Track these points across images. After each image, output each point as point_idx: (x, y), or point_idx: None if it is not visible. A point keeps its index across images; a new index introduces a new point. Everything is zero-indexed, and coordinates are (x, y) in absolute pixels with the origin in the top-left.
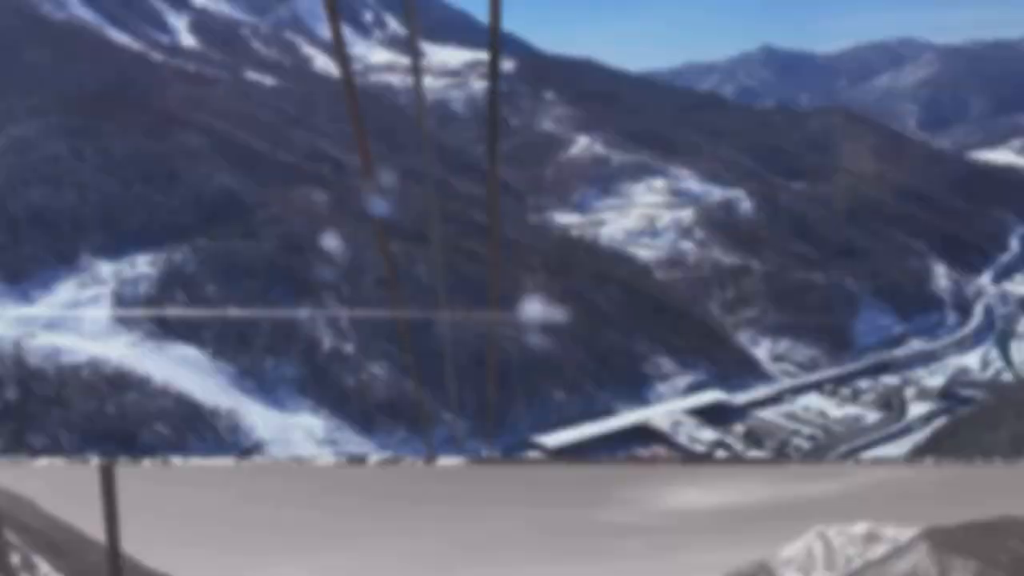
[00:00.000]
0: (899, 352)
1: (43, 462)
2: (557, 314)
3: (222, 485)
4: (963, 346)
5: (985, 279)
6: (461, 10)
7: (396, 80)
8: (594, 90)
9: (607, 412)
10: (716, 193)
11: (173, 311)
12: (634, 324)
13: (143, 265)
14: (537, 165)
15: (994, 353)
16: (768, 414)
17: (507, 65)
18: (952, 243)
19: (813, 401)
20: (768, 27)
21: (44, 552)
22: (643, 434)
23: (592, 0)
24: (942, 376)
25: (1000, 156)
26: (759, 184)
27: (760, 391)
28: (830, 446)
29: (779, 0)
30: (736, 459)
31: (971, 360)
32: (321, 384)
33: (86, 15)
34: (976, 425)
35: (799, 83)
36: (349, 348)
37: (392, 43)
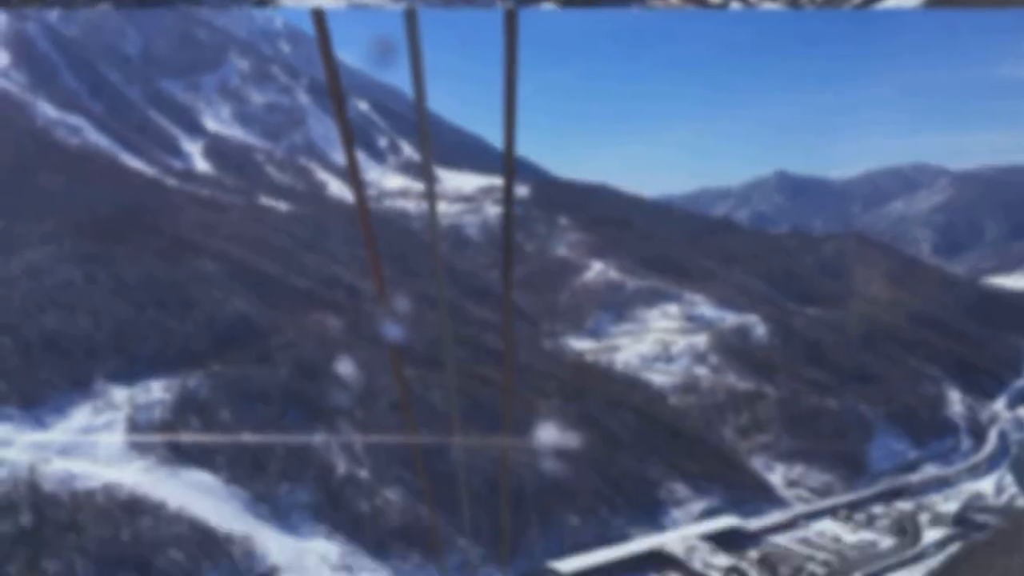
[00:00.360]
0: (913, 477)
1: None
2: (571, 439)
3: None
4: (977, 472)
5: (999, 404)
6: (475, 135)
7: (410, 205)
8: (608, 215)
9: (622, 537)
10: (730, 318)
11: (187, 436)
12: (648, 449)
13: (157, 390)
14: (551, 291)
15: (1008, 478)
16: (782, 540)
17: (521, 190)
18: (966, 368)
19: (827, 526)
20: (782, 153)
21: None
22: (657, 559)
23: (606, 126)
24: (956, 502)
25: (1015, 281)
26: (773, 309)
27: (774, 516)
28: (844, 572)
29: (793, 126)
30: None
31: (986, 486)
32: (336, 510)
33: (100, 140)
34: (991, 551)
35: (813, 208)
36: (363, 473)
37: (406, 168)
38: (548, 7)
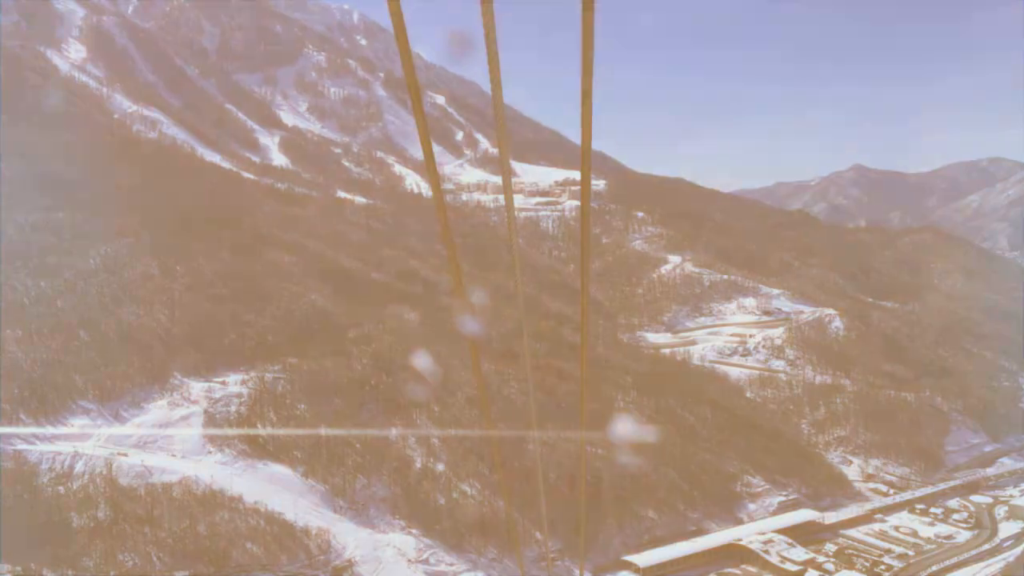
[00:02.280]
0: (990, 471)
1: None
2: (648, 433)
3: None
4: None
5: None
6: (552, 129)
7: (487, 199)
8: (685, 209)
9: (699, 531)
10: (807, 312)
11: (264, 430)
12: (725, 443)
13: (234, 384)
14: (628, 284)
15: None
16: (859, 533)
17: (598, 184)
18: None
19: (904, 520)
20: (859, 146)
21: None
22: (735, 553)
23: (683, 120)
24: None
25: None
26: (850, 303)
27: (851, 510)
28: (921, 566)
29: (870, 119)
30: None
31: None
32: (412, 503)
33: (177, 134)
34: None
35: (890, 202)
36: (440, 467)
37: (483, 162)
38: None
